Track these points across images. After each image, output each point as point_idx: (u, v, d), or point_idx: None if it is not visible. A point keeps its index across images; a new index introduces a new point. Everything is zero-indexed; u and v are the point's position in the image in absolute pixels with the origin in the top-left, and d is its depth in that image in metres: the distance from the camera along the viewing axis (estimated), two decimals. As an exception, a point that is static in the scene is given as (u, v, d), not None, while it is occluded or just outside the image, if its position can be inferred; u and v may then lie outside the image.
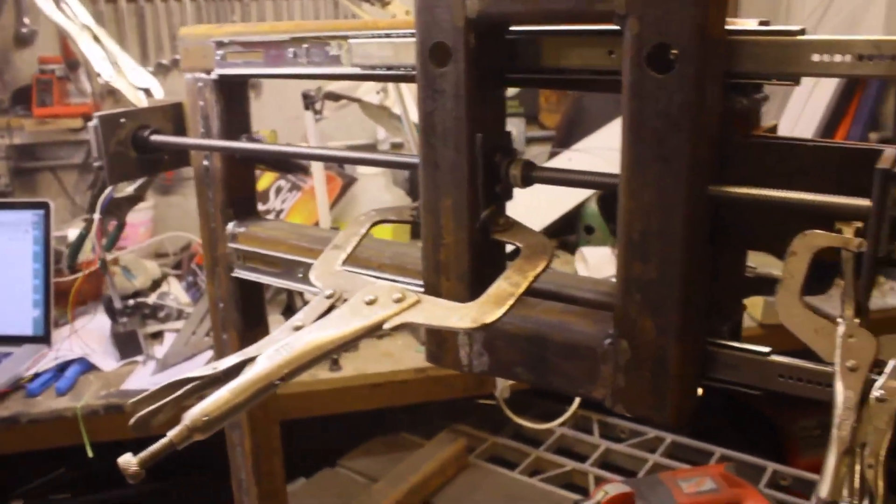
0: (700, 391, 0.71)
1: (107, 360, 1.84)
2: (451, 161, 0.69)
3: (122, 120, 1.01)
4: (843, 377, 0.55)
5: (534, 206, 2.34)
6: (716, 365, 0.67)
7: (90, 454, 1.63)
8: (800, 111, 3.01)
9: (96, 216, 1.13)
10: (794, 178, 0.61)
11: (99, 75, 1.24)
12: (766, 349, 0.65)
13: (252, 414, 1.14)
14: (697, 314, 0.64)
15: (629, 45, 0.59)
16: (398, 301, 0.64)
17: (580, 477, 1.90)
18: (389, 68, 0.77)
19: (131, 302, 1.96)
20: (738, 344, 0.66)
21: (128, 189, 1.17)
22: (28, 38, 2.60)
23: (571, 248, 2.47)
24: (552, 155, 2.80)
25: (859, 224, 0.56)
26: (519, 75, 0.72)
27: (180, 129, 1.06)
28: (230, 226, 1.03)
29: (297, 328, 0.64)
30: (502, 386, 1.83)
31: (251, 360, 0.62)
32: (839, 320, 0.57)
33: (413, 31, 0.69)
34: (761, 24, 0.62)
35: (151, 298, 2.05)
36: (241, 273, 1.03)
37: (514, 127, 2.87)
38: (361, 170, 2.47)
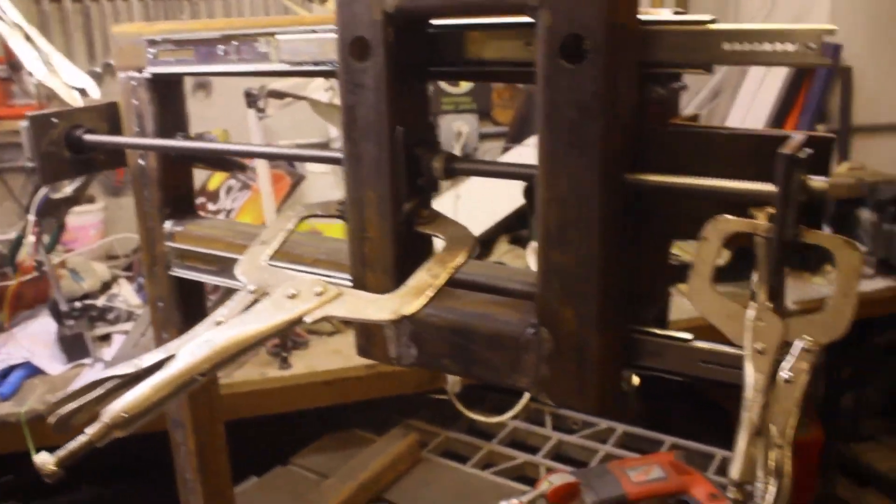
0: (636, 380, 0.72)
1: (53, 364, 1.81)
2: (373, 155, 0.69)
3: (55, 120, 1.00)
4: (753, 360, 0.56)
5: (487, 202, 2.35)
6: (640, 352, 0.67)
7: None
8: (749, 103, 3.06)
9: (31, 217, 1.11)
10: (710, 165, 0.62)
11: (31, 75, 1.22)
12: (688, 335, 0.66)
13: (196, 413, 1.13)
14: (619, 302, 0.65)
15: (542, 37, 0.60)
16: (319, 294, 0.64)
17: (532, 469, 1.91)
18: (316, 64, 0.78)
19: (78, 304, 1.93)
20: (661, 331, 0.67)
21: (66, 189, 1.15)
22: (-31, 38, 2.55)
23: (524, 243, 2.48)
24: (505, 150, 2.81)
25: (771, 210, 0.57)
26: (442, 68, 0.73)
27: (116, 129, 1.05)
28: (167, 224, 1.02)
29: (220, 323, 0.64)
30: (453, 380, 1.83)
31: (173, 356, 0.62)
32: (750, 304, 0.58)
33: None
34: (676, 14, 0.63)
35: (101, 300, 2.02)
36: (178, 272, 1.02)
37: (468, 123, 2.87)
38: (310, 168, 2.46)
